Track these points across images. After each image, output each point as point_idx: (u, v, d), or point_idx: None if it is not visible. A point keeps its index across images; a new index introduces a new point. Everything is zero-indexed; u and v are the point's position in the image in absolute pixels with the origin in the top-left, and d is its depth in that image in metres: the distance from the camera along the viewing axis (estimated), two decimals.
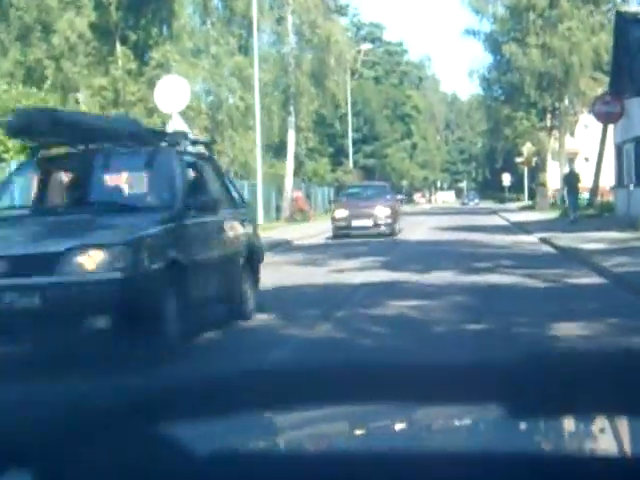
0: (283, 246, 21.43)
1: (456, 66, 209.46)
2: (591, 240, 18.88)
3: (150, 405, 1.19)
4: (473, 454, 1.06)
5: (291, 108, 39.17)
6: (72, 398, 1.22)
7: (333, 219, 25.37)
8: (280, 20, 38.91)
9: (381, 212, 24.71)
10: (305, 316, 8.60)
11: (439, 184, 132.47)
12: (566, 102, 47.01)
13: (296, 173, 52.08)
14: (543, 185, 47.32)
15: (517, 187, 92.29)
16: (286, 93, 39.24)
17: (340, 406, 1.28)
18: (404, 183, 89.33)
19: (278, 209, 40.88)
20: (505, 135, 52.22)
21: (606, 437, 1.19)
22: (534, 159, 55.17)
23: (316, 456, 1.11)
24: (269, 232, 27.38)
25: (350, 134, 55.24)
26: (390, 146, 68.40)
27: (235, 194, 9.39)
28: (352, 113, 56.96)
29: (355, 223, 24.44)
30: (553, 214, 38.17)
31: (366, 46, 63.46)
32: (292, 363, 2.29)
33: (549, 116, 47.19)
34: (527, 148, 55.32)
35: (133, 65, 35.30)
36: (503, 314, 8.36)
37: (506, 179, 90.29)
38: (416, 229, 29.04)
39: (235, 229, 8.75)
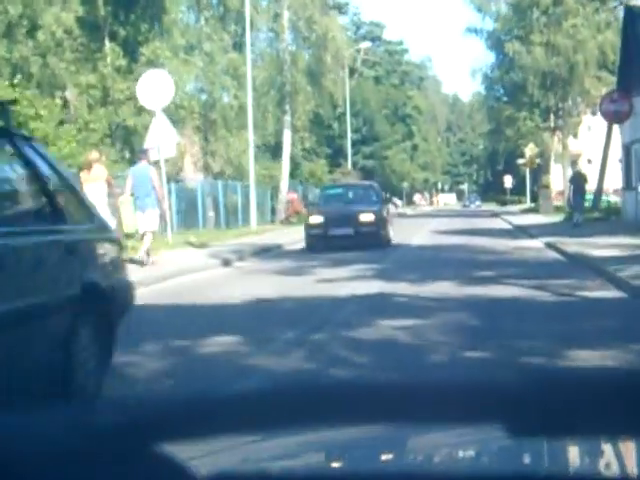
0: (272, 251, 20.19)
1: (458, 67, 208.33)
2: (601, 246, 17.64)
3: (149, 425, 1.15)
4: (472, 476, 1.06)
5: (287, 107, 37.94)
6: (71, 417, 1.20)
7: (306, 226, 21.05)
8: (276, 16, 37.67)
9: (366, 217, 20.63)
10: (274, 340, 7.27)
11: (440, 186, 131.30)
12: (570, 102, 45.79)
13: (293, 175, 50.92)
14: (546, 187, 46.04)
15: (519, 189, 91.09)
16: (281, 92, 38.00)
17: (337, 427, 1.25)
18: (405, 185, 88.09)
19: (273, 211, 39.65)
20: (507, 136, 51.01)
21: (608, 458, 1.19)
22: (537, 160, 53.93)
23: (315, 477, 1.10)
24: (261, 236, 26.15)
25: (349, 134, 53.99)
26: (390, 147, 67.05)
27: (73, 200, 5.65)
28: (351, 113, 55.74)
29: (333, 231, 20.26)
30: (557, 217, 36.92)
31: (365, 44, 62.21)
32: (292, 382, 2.13)
33: (552, 116, 45.92)
34: (530, 149, 54.00)
35: (122, 62, 34.04)
36: (507, 337, 7.11)
37: (508, 181, 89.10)
38: (415, 232, 27.78)
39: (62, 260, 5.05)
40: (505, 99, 49.26)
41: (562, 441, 1.21)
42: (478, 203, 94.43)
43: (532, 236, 24.06)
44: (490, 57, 49.59)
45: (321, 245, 19.84)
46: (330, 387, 1.38)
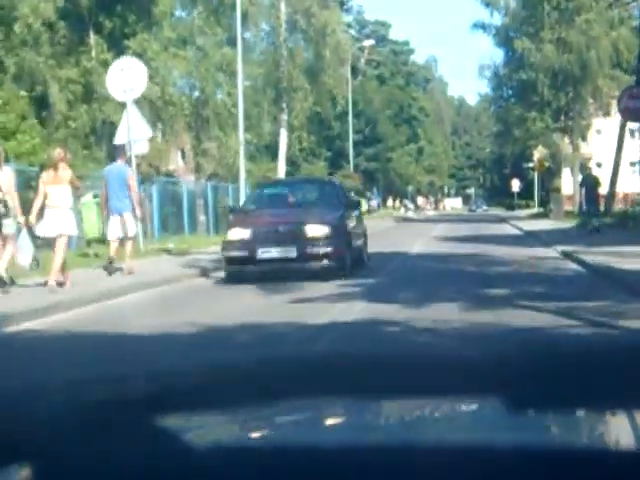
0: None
1: (464, 70, 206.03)
2: (626, 256, 15.49)
3: (148, 399, 1.18)
4: (471, 446, 1.07)
5: (283, 105, 35.81)
6: (70, 393, 1.22)
7: (224, 245, 14.17)
8: (272, 9, 35.56)
9: (317, 232, 13.68)
10: None
11: (446, 190, 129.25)
12: (582, 102, 43.64)
13: (291, 176, 48.79)
14: (557, 191, 43.83)
15: (526, 193, 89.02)
16: (278, 89, 35.87)
17: (337, 399, 1.28)
18: (410, 188, 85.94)
19: None
20: (516, 137, 48.56)
21: (606, 430, 1.22)
22: (546, 163, 51.75)
23: (314, 448, 1.10)
24: None
25: (351, 135, 51.82)
26: (394, 149, 64.82)
27: None
28: (353, 113, 53.57)
29: (264, 254, 13.49)
30: (569, 223, 34.74)
31: (369, 42, 60.01)
32: (288, 355, 1.98)
33: (563, 117, 43.74)
34: (539, 152, 51.84)
35: (108, 56, 31.97)
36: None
37: (515, 185, 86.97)
38: (417, 239, 25.64)
39: None
40: (514, 99, 47.02)
41: (562, 413, 1.21)
42: (485, 207, 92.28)
43: (546, 244, 21.89)
44: (498, 55, 47.53)
45: (246, 274, 13.35)
46: (330, 360, 1.36)
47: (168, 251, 18.91)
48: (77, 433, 1.02)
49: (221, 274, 14.43)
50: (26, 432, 1.02)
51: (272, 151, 45.48)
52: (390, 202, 76.24)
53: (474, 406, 1.32)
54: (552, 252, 19.31)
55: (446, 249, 20.46)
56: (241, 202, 29.96)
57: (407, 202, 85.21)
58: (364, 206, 69.18)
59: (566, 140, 44.29)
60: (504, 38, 43.63)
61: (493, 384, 1.24)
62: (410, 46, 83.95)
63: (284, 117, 35.80)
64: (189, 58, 33.92)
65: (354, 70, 66.30)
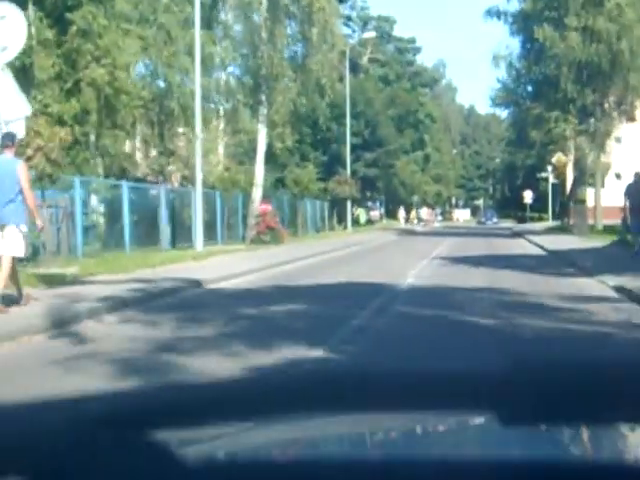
0: (174, 295, 12.41)
1: (474, 76, 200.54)
2: None
3: (140, 413, 1.18)
4: (467, 462, 1.07)
5: (262, 97, 30.29)
6: (68, 407, 1.22)
7: None
8: None
9: None
10: None
11: (454, 201, 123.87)
12: (611, 99, 38.00)
13: (281, 182, 43.30)
14: (581, 202, 38.23)
15: (540, 205, 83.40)
16: (256, 77, 30.35)
17: (331, 414, 1.28)
18: (415, 198, 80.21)
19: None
20: (533, 140, 42.29)
21: (597, 443, 1.24)
22: (566, 171, 46.17)
23: (308, 464, 1.11)
24: (197, 263, 18.67)
25: (348, 138, 46.27)
26: (397, 155, 58.91)
27: None
28: (352, 114, 48.09)
29: None
30: (598, 240, 29.17)
31: (369, 34, 54.41)
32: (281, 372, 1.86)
33: (590, 117, 38.06)
34: (558, 158, 46.27)
35: (49, 34, 26.57)
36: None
37: (528, 196, 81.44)
38: (417, 260, 20.07)
39: None
40: (532, 96, 41.30)
41: (553, 427, 1.23)
42: (495, 220, 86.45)
43: (585, 271, 16.32)
44: (515, 46, 41.79)
45: None
46: (323, 375, 1.37)
47: (62, 278, 13.39)
48: (74, 450, 1.00)
49: (95, 326, 9.09)
50: (24, 443, 1.01)
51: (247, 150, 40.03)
52: (402, 213, 70.56)
53: (466, 421, 1.33)
54: (599, 286, 13.77)
55: (451, 278, 14.90)
56: (197, 212, 24.66)
57: (421, 211, 79.74)
58: (362, 217, 63.48)
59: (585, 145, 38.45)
60: (522, 26, 38.00)
61: (485, 399, 1.22)
62: (416, 44, 78.45)
63: (263, 110, 30.26)
64: (148, 38, 28.46)
65: (355, 67, 60.80)
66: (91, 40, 26.35)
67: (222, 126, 42.61)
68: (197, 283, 13.69)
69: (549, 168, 79.38)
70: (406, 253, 24.89)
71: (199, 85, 23.94)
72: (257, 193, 30.20)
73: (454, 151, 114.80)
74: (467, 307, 10.24)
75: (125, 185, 22.37)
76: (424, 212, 74.13)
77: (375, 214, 67.50)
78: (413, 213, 76.07)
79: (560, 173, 46.13)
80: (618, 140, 41.29)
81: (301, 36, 29.76)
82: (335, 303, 10.89)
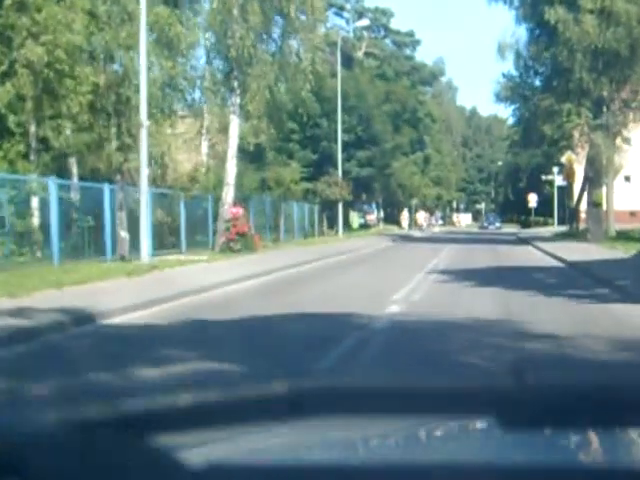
0: (44, 335, 8.43)
1: (475, 79, 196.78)
2: None
3: (143, 417, 1.18)
4: (467, 467, 1.09)
5: (234, 83, 26.35)
6: (67, 411, 1.21)
7: None
8: None
9: None
10: None
11: (455, 205, 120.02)
12: (628, 90, 34.06)
13: (263, 183, 39.30)
14: (597, 205, 34.24)
15: (544, 209, 79.50)
16: (228, 61, 26.41)
17: (333, 420, 1.28)
18: (414, 202, 76.15)
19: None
20: (541, 135, 37.93)
21: (597, 449, 1.29)
22: (578, 170, 42.22)
23: (310, 469, 1.12)
24: (135, 279, 14.83)
25: (339, 135, 42.26)
26: (394, 155, 54.67)
27: None
28: (343, 109, 44.12)
29: None
30: (619, 249, 25.31)
31: (363, 22, 50.37)
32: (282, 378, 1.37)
33: (606, 110, 34.08)
34: (567, 157, 42.30)
35: None
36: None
37: (532, 200, 77.50)
38: (407, 275, 16.10)
39: None
40: (541, 87, 37.33)
41: (553, 433, 1.25)
42: (498, 224, 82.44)
43: (626, 294, 12.35)
44: (522, 33, 37.66)
45: None
46: (325, 385, 1.36)
47: None
48: (74, 452, 0.99)
49: None
50: (22, 448, 0.99)
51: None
52: (405, 215, 66.57)
53: (471, 427, 1.34)
54: None
55: (450, 305, 10.94)
56: (141, 218, 20.69)
57: (438, 216, 76.03)
58: (356, 221, 59.12)
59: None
60: (530, 11, 34.02)
61: (485, 412, 1.22)
62: (415, 37, 74.25)
63: (236, 100, 26.29)
64: (100, 14, 24.48)
65: (349, 62, 56.87)
66: (27, 14, 22.45)
67: (206, 123, 39.11)
68: (88, 317, 9.67)
69: (555, 170, 75.58)
70: (398, 264, 20.99)
71: (144, 70, 19.99)
72: (228, 194, 26.19)
73: (455, 153, 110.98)
74: (477, 371, 6.21)
75: (52, 183, 18.40)
76: (420, 216, 70.07)
77: (372, 218, 63.50)
78: (420, 216, 72.08)
79: (569, 174, 42.14)
80: (627, 141, 37.41)
81: (276, 10, 25.72)
82: (246, 364, 6.82)
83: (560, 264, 21.45)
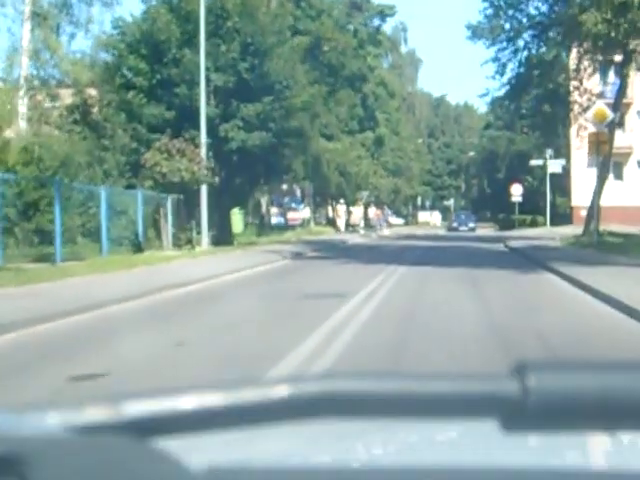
0: None
1: (444, 61, 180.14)
2: None
3: (141, 420, 1.13)
4: (468, 469, 1.08)
5: None
6: (67, 412, 1.16)
7: None
8: None
9: None
10: None
11: (420, 201, 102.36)
12: None
13: None
14: None
15: (530, 205, 61.66)
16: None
17: (333, 423, 1.25)
18: (363, 194, 57.58)
19: None
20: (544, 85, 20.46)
21: (602, 452, 1.29)
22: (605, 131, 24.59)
23: (310, 471, 1.12)
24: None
25: (203, 71, 24.04)
26: (313, 121, 34.62)
27: None
28: (217, 34, 25.82)
29: None
30: None
31: None
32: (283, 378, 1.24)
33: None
34: (598, 111, 24.15)
35: None
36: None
37: (517, 192, 59.75)
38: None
39: None
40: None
41: (557, 435, 1.23)
42: (471, 225, 64.11)
43: None
44: None
45: None
46: (325, 387, 1.24)
47: None
48: (74, 456, 0.98)
49: None
50: (24, 454, 0.96)
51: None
52: (342, 210, 48.69)
53: (468, 430, 1.35)
54: None
55: None
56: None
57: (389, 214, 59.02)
58: (239, 223, 38.87)
59: None
60: None
61: (487, 407, 1.15)
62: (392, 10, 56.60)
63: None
64: None
65: None
66: None
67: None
68: None
69: (548, 152, 57.56)
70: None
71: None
72: None
73: (420, 140, 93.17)
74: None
75: None
76: (372, 213, 52.28)
77: (295, 217, 45.16)
78: (371, 213, 54.98)
79: (599, 140, 23.87)
80: None
81: None
82: None
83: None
